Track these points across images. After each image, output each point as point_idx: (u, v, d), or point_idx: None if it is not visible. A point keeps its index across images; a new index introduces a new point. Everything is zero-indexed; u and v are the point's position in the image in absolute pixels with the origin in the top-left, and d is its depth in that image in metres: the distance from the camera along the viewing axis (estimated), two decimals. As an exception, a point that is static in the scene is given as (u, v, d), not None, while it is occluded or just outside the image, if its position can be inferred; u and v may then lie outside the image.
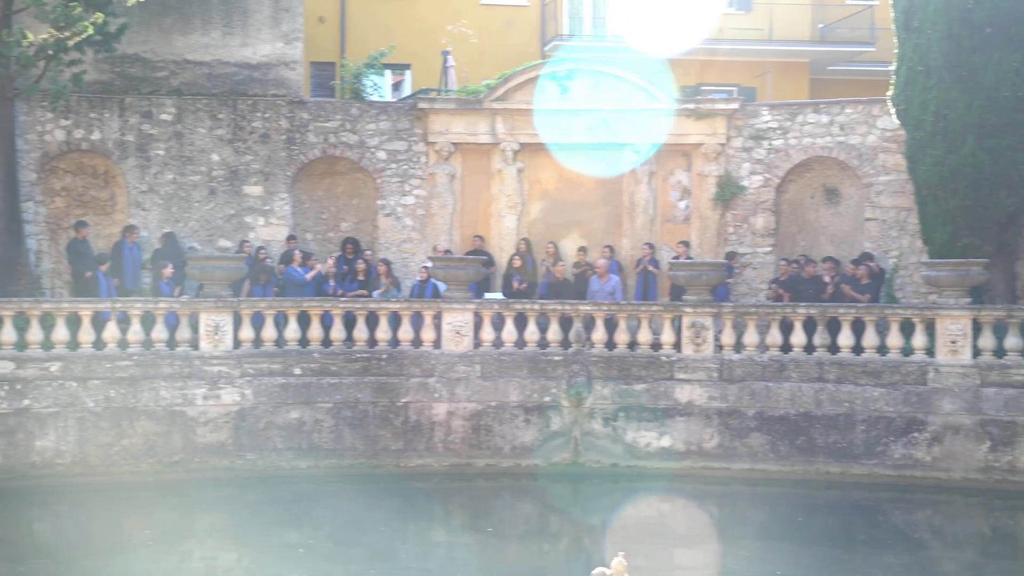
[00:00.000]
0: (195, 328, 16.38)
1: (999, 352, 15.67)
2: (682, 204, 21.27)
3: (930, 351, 15.96)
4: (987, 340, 15.69)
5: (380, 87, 24.81)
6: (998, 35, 17.74)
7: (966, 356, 15.70)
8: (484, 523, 14.92)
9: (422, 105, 20.77)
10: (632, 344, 16.88)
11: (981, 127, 17.90)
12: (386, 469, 16.15)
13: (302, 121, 20.66)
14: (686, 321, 16.65)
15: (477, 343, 16.90)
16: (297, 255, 18.90)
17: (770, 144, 20.93)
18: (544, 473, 16.19)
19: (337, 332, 16.77)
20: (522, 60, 23.14)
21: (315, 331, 16.74)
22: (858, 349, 16.22)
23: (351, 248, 19.86)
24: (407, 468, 16.23)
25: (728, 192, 20.91)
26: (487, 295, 18.82)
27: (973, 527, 14.22)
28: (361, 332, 16.81)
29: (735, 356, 16.54)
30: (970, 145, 17.91)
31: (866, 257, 19.29)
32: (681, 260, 18.88)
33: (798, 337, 16.38)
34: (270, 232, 20.40)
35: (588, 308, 17.16)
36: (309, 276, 18.42)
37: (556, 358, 16.74)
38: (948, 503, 14.81)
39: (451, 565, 13.25)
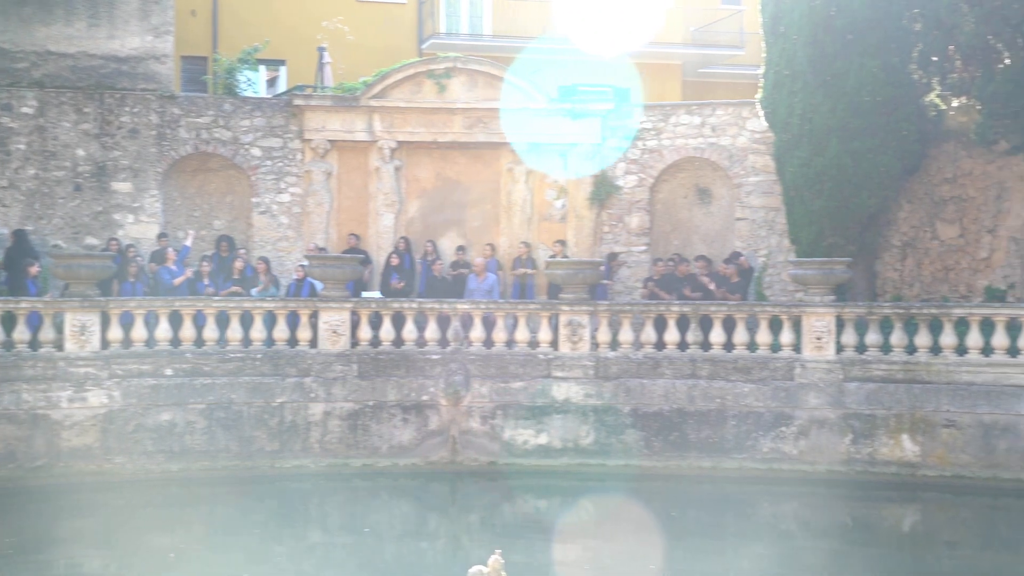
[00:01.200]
0: (60, 329, 15.83)
1: (860, 348, 16.24)
2: (558, 203, 21.46)
3: (797, 347, 16.44)
4: (849, 336, 16.24)
5: (254, 83, 24.37)
6: (858, 42, 18.40)
7: (830, 352, 16.22)
8: (361, 523, 14.81)
9: (298, 102, 20.50)
10: (510, 342, 16.97)
11: (844, 130, 18.54)
12: (261, 471, 15.90)
13: (173, 116, 20.16)
14: (563, 319, 16.81)
15: (354, 342, 16.77)
16: (171, 253, 18.45)
17: (644, 144, 21.28)
18: (422, 472, 16.17)
19: (210, 332, 16.43)
20: (399, 58, 23.03)
21: (187, 331, 16.36)
22: (729, 346, 16.61)
23: (225, 246, 19.48)
24: (283, 469, 16.01)
25: (603, 192, 21.19)
26: (364, 294, 18.68)
27: (836, 517, 14.71)
28: (235, 332, 16.51)
29: (611, 354, 16.77)
30: (834, 148, 18.53)
31: (736, 256, 19.78)
32: (558, 259, 19.06)
33: (672, 335, 16.70)
34: (140, 230, 19.85)
35: (466, 307, 17.19)
36: (178, 281, 17.93)
37: (434, 357, 16.72)
38: (813, 495, 15.28)
39: (327, 566, 13.12)
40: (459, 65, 20.97)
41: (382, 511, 15.47)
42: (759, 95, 19.97)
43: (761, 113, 20.00)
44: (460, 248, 20.36)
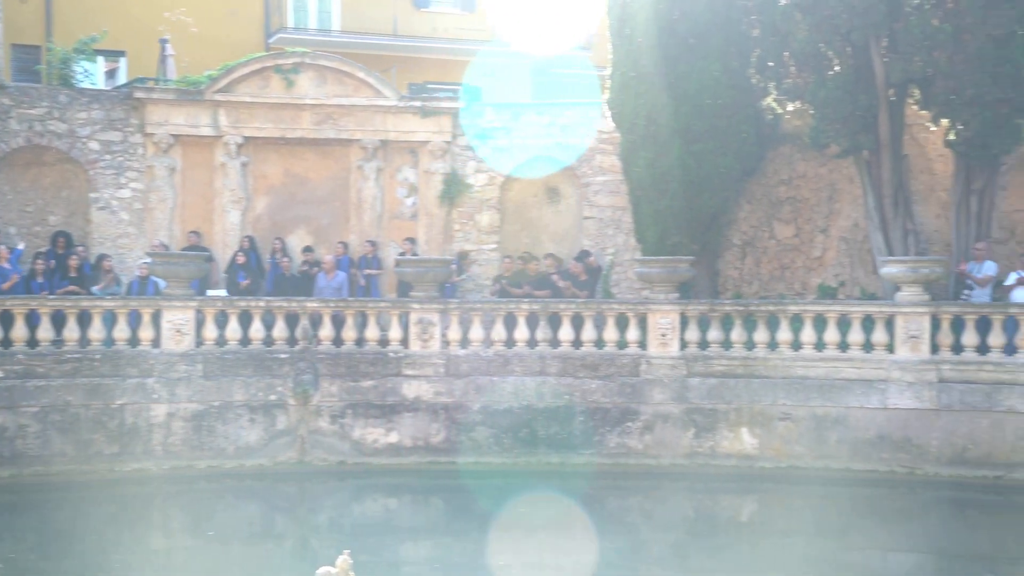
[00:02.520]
0: None
1: (703, 344, 16.72)
2: (409, 201, 21.40)
3: (642, 344, 16.80)
4: (692, 333, 16.70)
5: (92, 74, 23.51)
6: (701, 46, 18.94)
7: (674, 348, 16.64)
8: (206, 526, 14.46)
9: (139, 94, 19.86)
10: (360, 341, 16.84)
11: (687, 132, 19.04)
12: (100, 475, 15.36)
13: (3, 107, 19.28)
14: (413, 317, 16.78)
15: (199, 342, 16.37)
16: (2, 251, 17.61)
17: (494, 143, 21.40)
18: (269, 473, 15.90)
19: (45, 332, 15.79)
20: (245, 52, 22.56)
21: (19, 331, 15.68)
22: (578, 343, 16.86)
23: (62, 243, 18.75)
24: (123, 473, 15.50)
25: (454, 190, 21.23)
26: (210, 292, 18.25)
27: (679, 509, 15.11)
28: (72, 331, 15.90)
29: (461, 351, 16.82)
30: (677, 149, 19.01)
31: (586, 255, 20.09)
32: (408, 257, 19.01)
33: (522, 332, 16.86)
34: (-33, 226, 18.94)
35: (315, 305, 16.99)
36: (7, 285, 17.06)
37: (282, 356, 16.47)
38: (658, 488, 15.66)
39: (169, 572, 12.75)
40: (308, 60, 20.68)
41: (227, 513, 15.14)
42: (606, 96, 20.33)
43: (608, 114, 20.37)
44: (307, 248, 20.09)
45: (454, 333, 16.87)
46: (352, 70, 20.80)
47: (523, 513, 14.77)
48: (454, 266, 19.01)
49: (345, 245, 20.07)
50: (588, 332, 16.82)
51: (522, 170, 21.54)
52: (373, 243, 20.34)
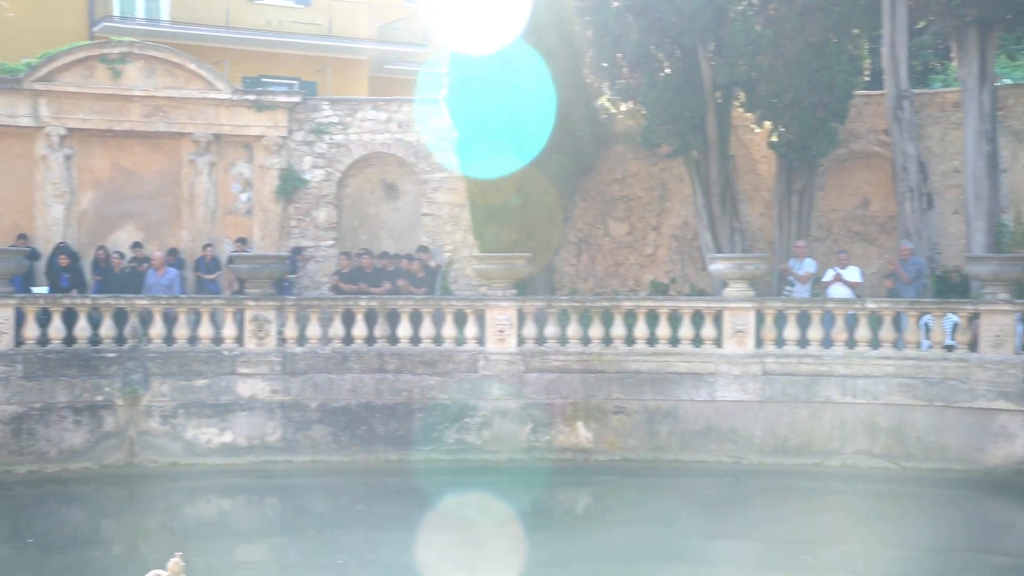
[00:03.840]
0: None
1: (540, 340, 16.94)
2: (244, 197, 20.99)
3: (481, 340, 16.90)
4: (530, 329, 16.90)
5: (-100, 59, 22.16)
6: (538, 44, 19.17)
7: (512, 344, 16.80)
8: (24, 534, 13.81)
9: (-48, 81, 18.86)
10: (192, 339, 16.42)
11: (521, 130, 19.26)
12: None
13: None
14: (248, 315, 16.44)
15: (19, 341, 15.65)
16: None
17: (331, 139, 21.20)
18: (96, 476, 15.32)
19: None
20: (67, 41, 21.67)
21: None
22: (416, 340, 16.84)
23: None
24: (-65, 481, 14.68)
25: (290, 185, 20.93)
26: (35, 290, 17.48)
27: (516, 503, 15.24)
28: None
29: (298, 349, 16.59)
30: (514, 146, 19.20)
31: (423, 250, 20.11)
32: (243, 253, 18.64)
33: (360, 329, 16.74)
34: None
35: (145, 302, 16.47)
36: None
37: (110, 355, 15.90)
38: (496, 483, 15.77)
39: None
40: (136, 50, 20.03)
41: (49, 519, 14.49)
42: (444, 93, 20.38)
43: (446, 111, 20.42)
44: (136, 244, 19.46)
45: (291, 330, 16.62)
46: (183, 61, 20.26)
47: (361, 511, 14.70)
48: (289, 262, 18.72)
49: (176, 252, 19.54)
50: (427, 329, 16.83)
51: (360, 166, 21.41)
52: (211, 246, 19.84)
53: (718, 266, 17.02)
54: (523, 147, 19.16)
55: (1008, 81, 20.23)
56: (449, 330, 16.90)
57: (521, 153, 19.17)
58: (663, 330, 16.62)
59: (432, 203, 21.44)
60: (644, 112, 19.51)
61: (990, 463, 15.22)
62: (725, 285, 16.83)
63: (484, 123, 19.35)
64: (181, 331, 16.33)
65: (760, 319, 16.40)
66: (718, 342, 16.48)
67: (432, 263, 19.86)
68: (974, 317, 15.67)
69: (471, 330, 16.88)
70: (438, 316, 17.09)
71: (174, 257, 19.35)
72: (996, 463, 15.20)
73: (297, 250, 20.52)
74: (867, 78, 19.99)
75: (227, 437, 16.05)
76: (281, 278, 17.61)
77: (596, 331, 16.78)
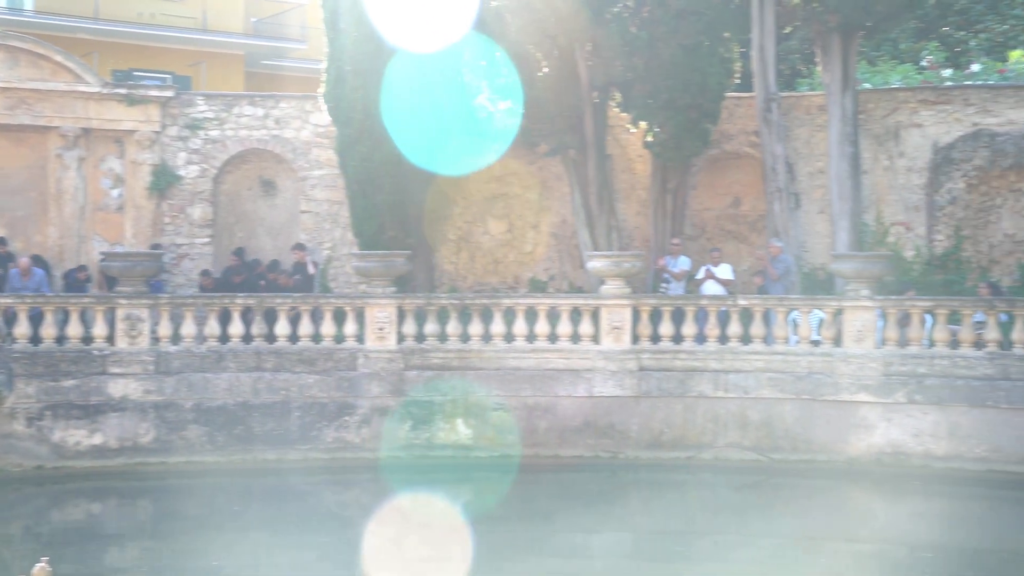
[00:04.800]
0: None
1: (420, 337, 16.95)
2: (115, 193, 20.46)
3: (360, 338, 16.82)
4: (410, 326, 16.90)
5: None
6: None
7: (392, 342, 16.77)
8: None
9: None
10: (60, 339, 15.94)
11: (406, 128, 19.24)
12: None
13: None
14: (120, 314, 16.05)
15: None
16: None
17: (206, 134, 20.83)
18: (-45, 483, 14.75)
19: None
20: (-73, 27, 20.83)
21: None
22: (294, 338, 16.68)
23: None
24: None
25: (164, 181, 20.50)
26: None
27: (396, 502, 15.21)
28: None
29: (172, 348, 16.26)
30: (393, 144, 19.17)
31: (298, 248, 19.90)
32: (115, 250, 18.17)
33: (236, 327, 16.49)
34: None
35: (9, 301, 15.91)
36: None
37: (-29, 357, 15.32)
38: (375, 481, 15.74)
39: None
40: (-1, 40, 19.36)
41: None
42: (322, 89, 20.22)
43: (324, 107, 20.27)
44: (0, 240, 18.80)
45: (164, 329, 16.28)
46: (48, 53, 19.65)
47: (236, 512, 14.49)
48: (162, 260, 18.34)
49: (40, 258, 18.98)
50: (305, 327, 16.68)
51: (236, 162, 21.08)
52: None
53: (595, 264, 17.28)
54: (403, 144, 19.14)
55: (868, 86, 21.00)
56: (328, 328, 16.77)
57: (401, 151, 19.14)
58: (542, 327, 16.80)
59: (311, 200, 21.25)
60: (522, 111, 19.68)
61: (852, 453, 15.83)
62: (602, 282, 17.10)
63: (363, 120, 19.25)
64: (48, 330, 15.85)
65: (636, 316, 16.70)
66: (595, 339, 16.73)
67: (310, 268, 19.64)
68: (838, 313, 16.26)
69: (350, 328, 16.79)
70: (317, 314, 16.96)
71: (38, 263, 18.69)
72: (858, 453, 15.82)
73: (156, 246, 20.02)
74: (738, 81, 20.56)
75: (97, 439, 15.64)
76: (154, 276, 17.23)
77: (476, 328, 16.87)
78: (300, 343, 16.65)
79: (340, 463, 16.10)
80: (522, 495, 15.29)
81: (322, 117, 20.69)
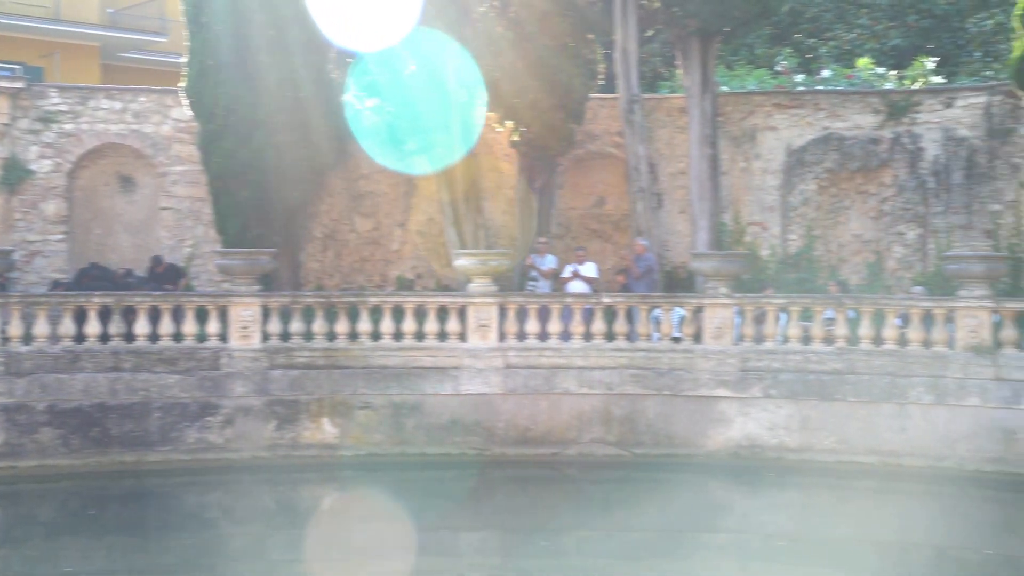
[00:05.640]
0: None
1: (285, 336, 16.74)
2: (-39, 187, 19.64)
3: (223, 337, 16.51)
4: (275, 325, 16.68)
5: None
6: (281, 38, 18.95)
7: (256, 341, 16.51)
8: None
9: None
10: (-99, 340, 15.21)
11: (268, 124, 19.01)
12: None
13: None
14: (-34, 313, 15.41)
15: None
16: None
17: (60, 128, 20.17)
18: None
19: None
20: None
21: None
22: (154, 337, 16.28)
23: None
24: None
25: (14, 176, 19.75)
26: None
27: (259, 502, 15.05)
28: None
29: (23, 348, 15.67)
30: (258, 140, 18.92)
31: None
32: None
33: (93, 327, 16.00)
34: None
35: None
36: None
37: None
38: (238, 482, 15.50)
39: None
40: None
41: None
42: (183, 84, 19.79)
43: (186, 102, 19.84)
44: None
45: (15, 329, 15.68)
46: None
47: (92, 516, 14.08)
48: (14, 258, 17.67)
49: None
50: (166, 326, 16.29)
51: (93, 157, 20.46)
52: None
53: (462, 262, 17.35)
54: (268, 141, 18.90)
55: (726, 89, 21.65)
56: (190, 327, 16.43)
57: (265, 147, 18.90)
58: (409, 325, 16.79)
59: (172, 197, 20.78)
60: (389, 108, 19.62)
61: (711, 447, 16.29)
62: (469, 281, 17.19)
63: (226, 116, 18.92)
64: None
65: (503, 314, 16.84)
66: (462, 337, 16.80)
67: (162, 272, 19.16)
68: (698, 310, 16.70)
69: (213, 327, 16.48)
70: (178, 313, 16.58)
71: None
72: (716, 447, 16.28)
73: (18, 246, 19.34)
74: (602, 82, 20.93)
75: (-57, 444, 14.98)
76: (5, 273, 16.60)
77: (342, 327, 16.76)
78: (161, 342, 16.25)
79: (202, 464, 15.78)
80: (389, 494, 15.27)
81: (183, 112, 20.25)
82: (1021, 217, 19.76)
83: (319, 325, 16.71)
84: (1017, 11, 17.78)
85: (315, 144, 19.61)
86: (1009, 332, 15.46)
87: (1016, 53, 17.90)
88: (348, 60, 19.64)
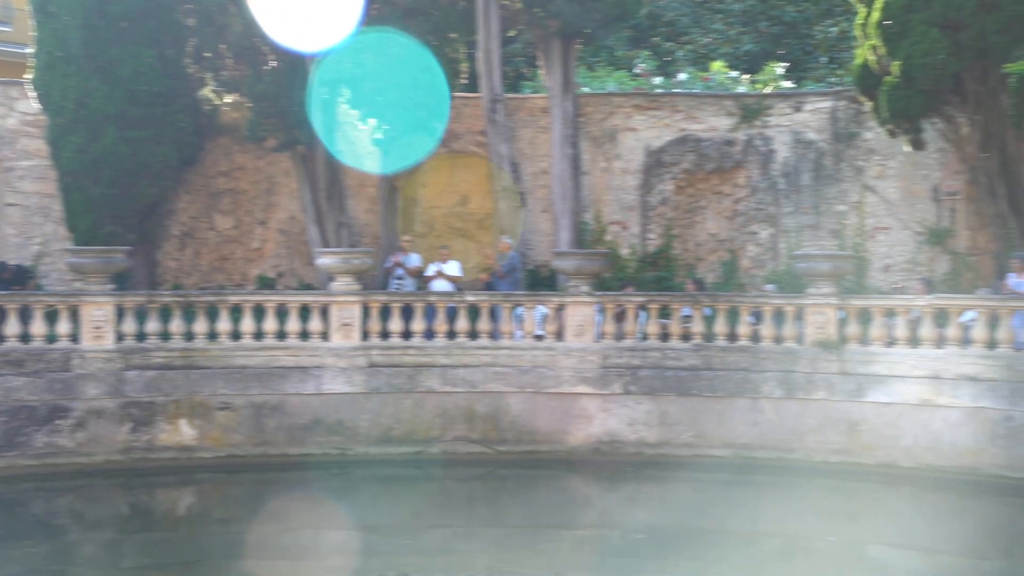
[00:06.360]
0: None
1: (141, 336, 16.32)
2: None
3: (75, 337, 16.01)
4: (130, 325, 16.24)
5: None
6: (133, 30, 18.47)
7: (109, 341, 16.05)
8: None
9: None
10: None
11: (122, 118, 18.49)
12: None
13: None
14: None
15: None
16: None
17: None
18: None
19: None
20: None
21: None
22: (0, 338, 15.67)
23: None
24: None
25: None
26: None
27: (112, 507, 14.65)
28: None
29: None
30: (111, 135, 18.38)
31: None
32: None
33: (-69, 329, 15.30)
34: None
35: None
36: None
37: None
38: (90, 487, 15.05)
39: None
40: None
41: None
42: (31, 75, 19.07)
43: (33, 95, 19.12)
44: None
45: None
46: None
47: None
48: None
49: None
50: (12, 326, 15.68)
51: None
52: None
53: (325, 260, 17.21)
54: (121, 136, 18.39)
55: (588, 90, 22.00)
56: (39, 327, 15.86)
57: (119, 142, 18.39)
58: (270, 324, 16.58)
59: (18, 193, 20.02)
60: (250, 105, 19.32)
61: (573, 443, 16.55)
62: (332, 279, 17.06)
63: (77, 109, 18.32)
64: None
65: (366, 313, 16.77)
66: (325, 336, 16.67)
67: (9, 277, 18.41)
68: (560, 308, 16.94)
69: (64, 327, 15.95)
70: (26, 313, 15.98)
71: None
72: (578, 443, 16.55)
73: None
74: (465, 81, 21.02)
75: None
76: None
77: (201, 326, 16.44)
78: (7, 343, 15.66)
79: (51, 469, 15.27)
80: (249, 495, 15.04)
81: (31, 104, 19.52)
82: (864, 218, 20.65)
83: (177, 325, 16.36)
84: (859, 20, 18.56)
85: (172, 140, 19.16)
86: (854, 328, 16.15)
87: (858, 60, 18.69)
88: (206, 54, 19.25)
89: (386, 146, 19.83)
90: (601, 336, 16.84)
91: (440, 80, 19.39)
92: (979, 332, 15.41)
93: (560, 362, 16.65)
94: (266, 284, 20.92)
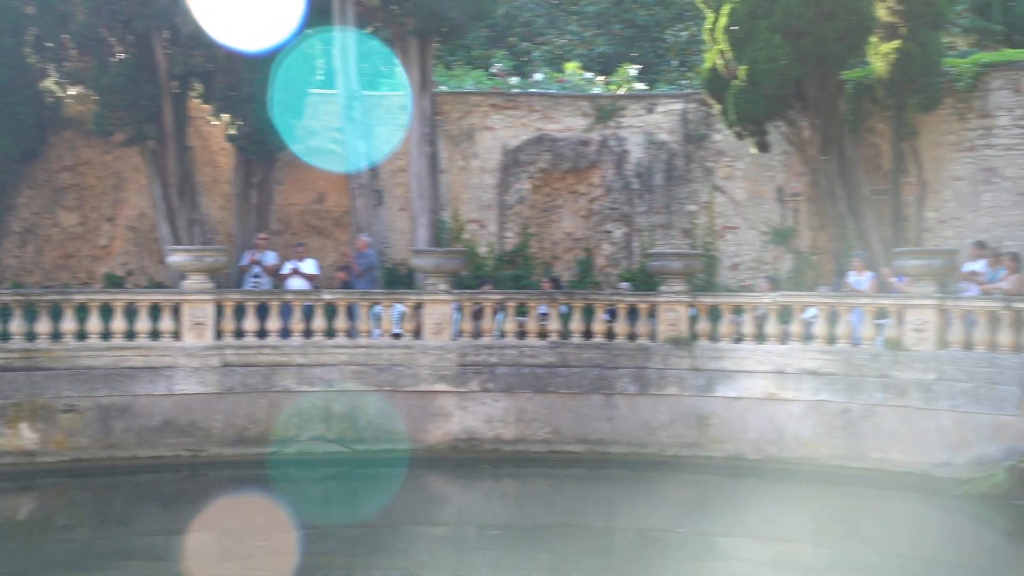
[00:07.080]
0: None
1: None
2: None
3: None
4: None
5: None
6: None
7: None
8: None
9: None
10: None
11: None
12: None
13: None
14: None
15: None
16: None
17: None
18: None
19: None
20: None
21: None
22: None
23: None
24: None
25: None
26: None
27: None
28: None
29: None
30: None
31: None
32: None
33: None
34: None
35: None
36: None
37: None
38: None
39: None
40: None
41: None
42: None
43: None
44: None
45: None
46: None
47: None
48: None
49: None
50: None
51: None
52: None
53: (176, 258, 16.84)
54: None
55: (445, 89, 22.04)
56: None
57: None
58: (119, 324, 16.13)
59: None
60: (96, 98, 18.71)
61: (431, 441, 16.59)
62: (184, 277, 16.71)
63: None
64: None
65: (219, 311, 16.46)
66: (176, 335, 16.31)
67: None
68: (418, 307, 16.96)
69: None
70: None
71: None
72: (436, 441, 16.61)
73: None
74: (321, 77, 20.78)
75: None
76: None
77: (44, 326, 15.88)
78: None
79: None
80: (97, 500, 14.61)
81: None
82: (714, 217, 21.28)
83: (17, 325, 15.78)
84: (707, 25, 19.12)
85: (11, 132, 18.40)
86: (704, 325, 16.64)
87: (707, 64, 19.25)
88: (48, 45, 18.55)
89: (240, 142, 19.46)
90: (459, 334, 16.92)
91: (295, 76, 19.12)
92: (820, 328, 16.07)
93: (418, 360, 16.66)
94: (114, 283, 20.29)
